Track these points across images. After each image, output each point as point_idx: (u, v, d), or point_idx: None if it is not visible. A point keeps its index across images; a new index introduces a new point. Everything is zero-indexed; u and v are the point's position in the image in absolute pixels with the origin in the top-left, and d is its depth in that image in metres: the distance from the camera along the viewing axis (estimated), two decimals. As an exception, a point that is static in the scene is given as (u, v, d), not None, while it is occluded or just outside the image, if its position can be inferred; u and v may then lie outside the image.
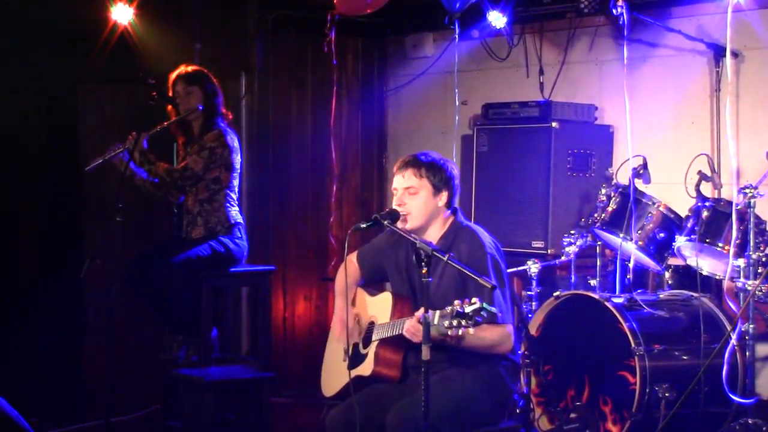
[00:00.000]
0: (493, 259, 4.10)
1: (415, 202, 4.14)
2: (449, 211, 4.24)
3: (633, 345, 4.75)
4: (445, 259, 3.79)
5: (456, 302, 3.67)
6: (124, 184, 5.42)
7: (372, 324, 4.25)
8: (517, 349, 4.21)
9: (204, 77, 5.80)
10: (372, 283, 4.52)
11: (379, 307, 4.25)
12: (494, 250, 4.15)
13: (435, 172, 4.16)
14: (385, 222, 4.05)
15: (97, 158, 5.53)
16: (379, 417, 4.03)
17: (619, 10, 5.27)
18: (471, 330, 3.66)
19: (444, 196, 4.18)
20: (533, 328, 5.22)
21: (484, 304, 3.64)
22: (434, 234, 4.19)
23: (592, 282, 5.29)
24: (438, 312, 3.73)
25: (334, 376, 4.36)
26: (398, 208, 4.14)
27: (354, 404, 4.00)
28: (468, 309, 3.64)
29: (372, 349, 4.15)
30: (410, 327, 3.89)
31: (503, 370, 4.14)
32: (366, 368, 4.16)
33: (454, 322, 3.65)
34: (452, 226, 4.20)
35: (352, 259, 4.48)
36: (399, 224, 4.10)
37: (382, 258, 4.37)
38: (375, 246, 4.44)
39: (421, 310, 3.75)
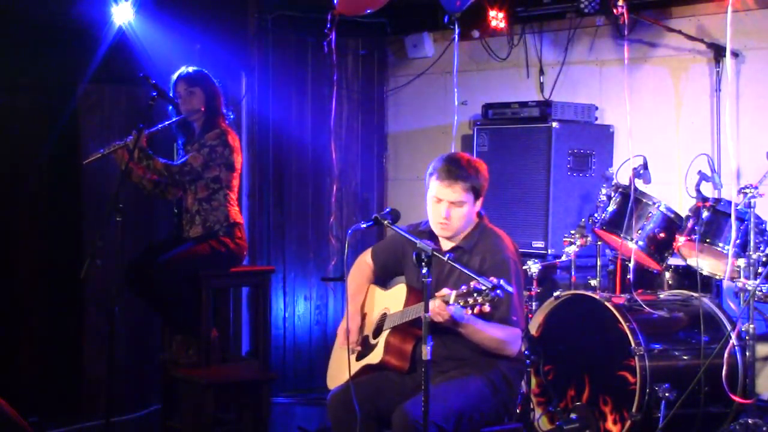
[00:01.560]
0: (516, 265, 4.12)
1: (460, 214, 4.10)
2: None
3: (633, 345, 4.75)
4: (446, 259, 3.80)
5: (472, 281, 3.69)
6: (123, 181, 5.42)
7: (384, 315, 4.26)
8: (519, 351, 4.20)
9: (206, 78, 5.80)
10: (385, 278, 4.52)
11: (392, 298, 4.27)
12: (516, 255, 4.16)
13: (480, 181, 4.12)
14: (386, 222, 4.04)
15: (96, 152, 5.53)
16: (381, 401, 4.04)
17: (619, 10, 5.27)
18: (486, 307, 3.66)
19: (481, 200, 4.17)
20: (533, 328, 5.22)
21: (502, 282, 3.65)
22: (459, 234, 4.19)
23: (592, 282, 5.29)
24: (455, 292, 3.75)
25: (341, 368, 4.36)
26: (442, 223, 4.10)
27: (356, 387, 4.00)
28: (484, 286, 3.65)
29: (383, 338, 4.16)
30: (435, 307, 3.83)
31: (510, 372, 4.14)
32: (375, 356, 4.17)
33: (470, 300, 3.67)
34: (477, 227, 4.19)
35: (366, 258, 4.49)
36: (439, 234, 4.10)
37: (398, 254, 4.37)
38: (391, 242, 4.44)
39: (444, 290, 3.77)
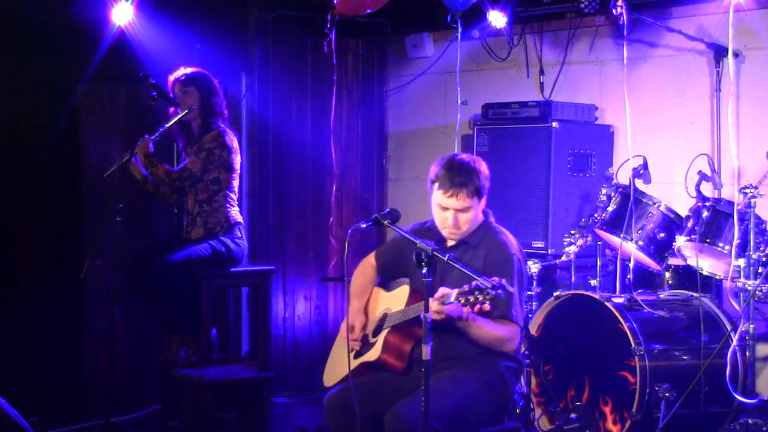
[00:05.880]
0: (519, 263, 4.16)
1: (466, 218, 4.16)
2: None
3: (633, 345, 4.75)
4: (446, 259, 3.79)
5: (474, 280, 3.71)
6: (123, 181, 5.43)
7: (385, 315, 4.27)
8: (517, 349, 4.21)
9: (200, 77, 5.79)
10: (389, 278, 4.53)
11: (395, 299, 4.29)
12: (520, 254, 4.20)
13: (482, 182, 4.15)
14: (386, 222, 4.05)
15: (115, 164, 5.59)
16: (377, 404, 4.03)
17: (619, 10, 5.27)
18: (487, 305, 3.67)
19: (484, 198, 4.21)
20: (533, 328, 5.22)
21: (504, 281, 3.67)
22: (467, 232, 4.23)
23: (592, 282, 5.29)
24: (456, 291, 3.76)
25: (338, 366, 4.37)
26: (450, 229, 4.15)
27: (351, 389, 3.99)
28: (487, 284, 3.66)
29: (381, 336, 4.17)
30: (433, 306, 3.83)
31: (506, 371, 4.15)
32: (373, 354, 4.18)
33: (471, 298, 3.68)
34: (482, 225, 4.24)
35: (371, 259, 4.50)
36: (447, 237, 4.16)
37: (402, 255, 4.37)
38: (395, 243, 4.46)
39: (441, 290, 3.80)
